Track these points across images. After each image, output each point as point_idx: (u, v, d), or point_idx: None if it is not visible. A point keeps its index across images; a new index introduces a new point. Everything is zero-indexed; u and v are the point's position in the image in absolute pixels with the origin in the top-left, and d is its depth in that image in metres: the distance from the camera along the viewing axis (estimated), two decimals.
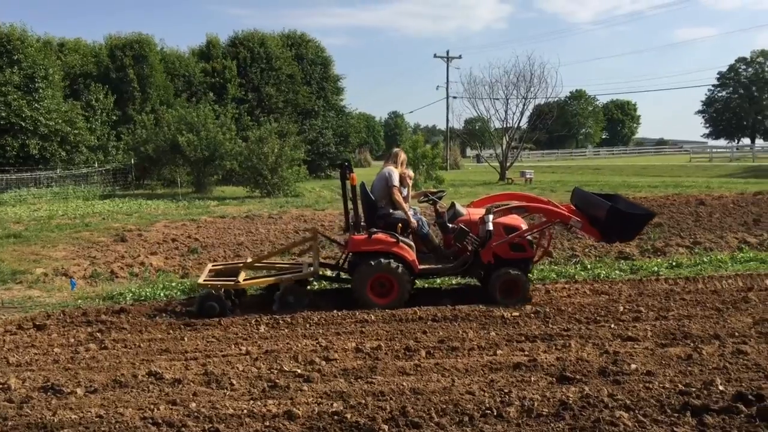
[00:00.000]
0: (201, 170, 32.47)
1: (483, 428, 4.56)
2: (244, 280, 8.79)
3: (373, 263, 8.38)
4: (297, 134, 35.85)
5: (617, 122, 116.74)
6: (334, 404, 5.11)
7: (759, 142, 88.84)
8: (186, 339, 7.29)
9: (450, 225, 8.91)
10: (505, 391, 5.25)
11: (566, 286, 9.49)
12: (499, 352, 6.41)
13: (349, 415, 4.83)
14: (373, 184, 9.01)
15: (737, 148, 73.73)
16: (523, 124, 44.75)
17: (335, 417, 4.84)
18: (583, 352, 6.24)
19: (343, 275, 9.22)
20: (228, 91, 42.75)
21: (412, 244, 8.68)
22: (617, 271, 10.29)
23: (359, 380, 5.72)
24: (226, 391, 5.54)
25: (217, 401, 5.25)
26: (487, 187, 35.22)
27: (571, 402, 4.90)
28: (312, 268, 8.86)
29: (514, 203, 9.18)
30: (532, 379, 5.57)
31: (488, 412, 4.82)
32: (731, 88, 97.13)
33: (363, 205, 8.77)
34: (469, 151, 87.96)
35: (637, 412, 4.72)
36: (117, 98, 37.58)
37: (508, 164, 42.10)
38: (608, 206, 8.27)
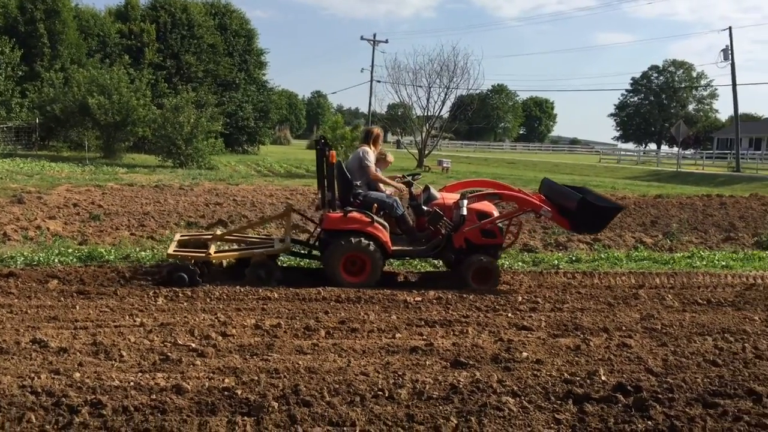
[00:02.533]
0: (111, 135, 31.35)
1: (373, 409, 4.59)
2: (216, 252, 8.69)
3: (345, 242, 8.37)
4: (215, 106, 35.07)
5: (535, 119, 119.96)
6: (226, 380, 5.03)
7: (664, 148, 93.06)
8: (77, 307, 7.01)
9: (425, 208, 8.95)
10: (399, 373, 5.30)
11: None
12: (398, 335, 6.47)
13: (239, 392, 4.76)
14: (348, 163, 8.93)
15: (644, 153, 77.05)
16: (445, 113, 45.30)
17: (225, 393, 4.76)
18: (479, 339, 6.38)
19: (315, 252, 9.18)
20: (145, 55, 41.36)
21: (387, 224, 8.69)
22: (520, 263, 10.55)
23: (254, 357, 5.66)
24: (114, 362, 5.36)
25: (104, 372, 5.07)
26: (403, 172, 35.47)
27: (461, 386, 5.00)
28: (284, 244, 8.83)
29: (488, 190, 9.43)
30: (427, 363, 5.65)
31: (380, 393, 4.85)
32: (642, 95, 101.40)
33: (339, 183, 8.69)
34: (389, 137, 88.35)
35: (522, 398, 4.85)
36: (24, 53, 35.65)
37: (426, 152, 42.53)
38: (579, 198, 8.54)
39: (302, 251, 9.51)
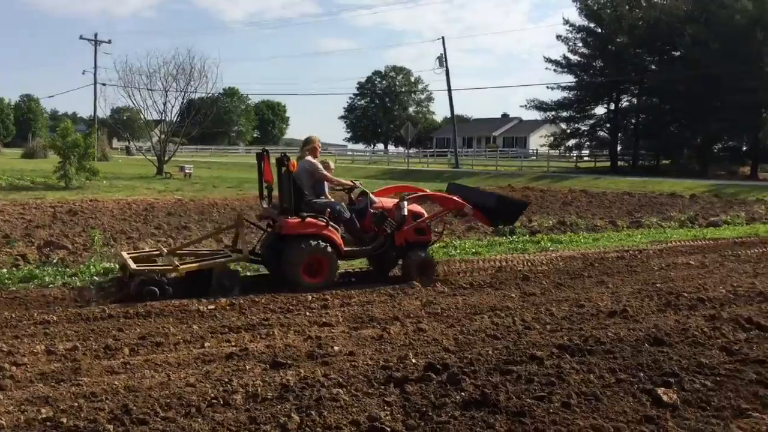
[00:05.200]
0: None
1: (213, 417, 4.63)
2: (181, 264, 8.74)
3: (304, 245, 8.80)
4: None
5: (268, 122, 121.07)
6: (42, 410, 4.70)
7: (391, 147, 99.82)
8: None
9: (372, 210, 9.63)
10: (225, 380, 5.36)
11: (257, 280, 9.74)
12: (206, 344, 6.46)
13: (65, 420, 4.50)
14: (295, 174, 9.11)
15: (373, 153, 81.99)
16: (183, 117, 44.04)
17: (48, 423, 4.46)
18: (288, 339, 6.62)
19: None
20: None
21: (338, 227, 9.25)
22: None
23: (63, 383, 5.32)
24: None
25: None
26: (144, 180, 33.99)
27: (291, 384, 5.22)
28: (243, 254, 9.15)
29: (421, 192, 10.55)
30: (247, 367, 5.76)
31: (214, 401, 4.89)
32: (368, 98, 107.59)
33: (287, 193, 9.00)
34: (116, 142, 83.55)
35: (350, 387, 5.21)
36: None
37: (166, 158, 41.06)
38: (497, 196, 10.31)
39: (256, 258, 9.66)
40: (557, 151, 58.50)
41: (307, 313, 7.73)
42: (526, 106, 55.03)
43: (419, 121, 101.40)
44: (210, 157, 73.99)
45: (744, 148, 48.00)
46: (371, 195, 9.97)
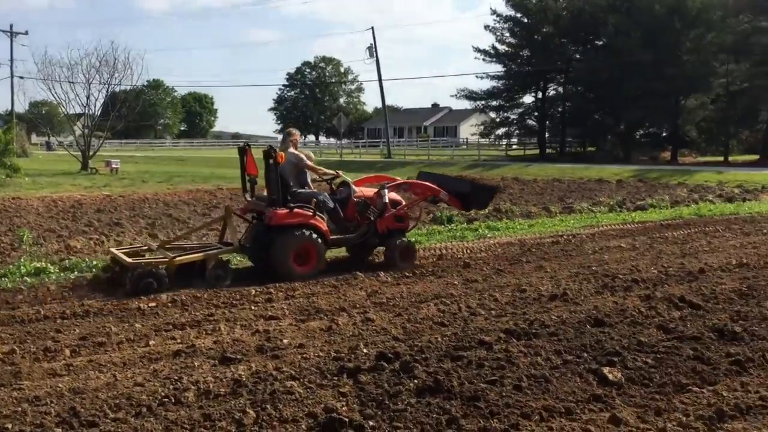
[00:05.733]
0: None
1: (166, 416, 4.54)
2: (176, 257, 8.80)
3: (294, 235, 8.97)
4: None
5: (195, 114, 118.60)
6: None
7: (323, 138, 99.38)
8: None
9: (355, 199, 9.92)
10: (174, 378, 5.26)
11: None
12: (151, 342, 6.32)
13: (9, 425, 4.35)
14: (281, 166, 9.24)
15: (305, 144, 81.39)
16: (106, 110, 42.69)
17: None
18: (235, 334, 6.54)
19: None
20: None
21: (324, 217, 9.42)
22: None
23: (3, 388, 5.13)
24: None
25: None
26: (69, 176, 32.79)
27: (243, 379, 5.17)
28: (233, 246, 9.32)
29: (399, 180, 10.87)
30: (196, 363, 5.67)
31: (165, 400, 4.79)
32: (298, 89, 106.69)
33: (274, 185, 9.09)
34: (35, 138, 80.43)
35: (303, 380, 5.20)
36: None
37: (90, 153, 39.74)
38: (471, 182, 10.85)
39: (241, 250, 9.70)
40: (487, 139, 59.45)
41: (252, 307, 7.64)
42: (456, 95, 55.64)
43: (350, 112, 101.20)
44: (136, 151, 72.00)
45: (664, 134, 49.84)
46: (352, 186, 10.16)
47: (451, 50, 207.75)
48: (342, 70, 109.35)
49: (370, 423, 4.40)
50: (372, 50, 54.00)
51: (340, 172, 10.37)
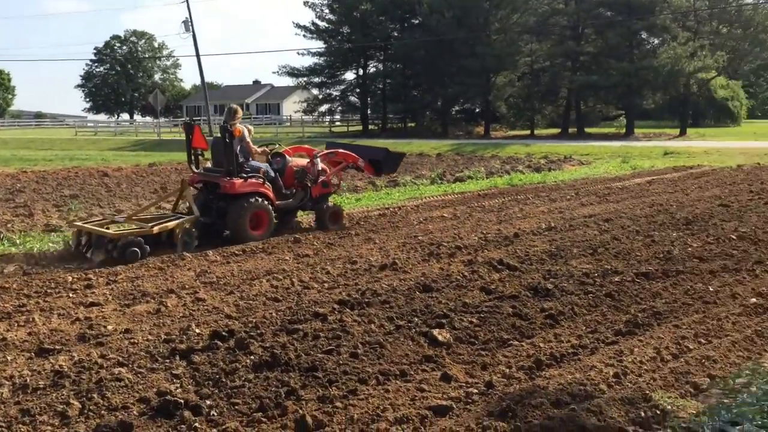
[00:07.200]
0: None
1: None
2: (153, 226, 9.18)
3: (248, 202, 9.82)
4: None
5: None
6: None
7: (138, 117, 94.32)
8: None
9: (295, 168, 10.84)
10: None
11: None
12: None
13: None
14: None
15: (118, 123, 76.87)
16: None
17: None
18: (53, 324, 6.07)
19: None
20: None
21: (270, 185, 10.28)
22: (50, 244, 9.98)
23: None
24: None
25: None
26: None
27: (65, 370, 4.83)
28: (194, 215, 9.69)
29: (326, 150, 11.66)
30: (9, 358, 5.21)
31: None
32: (108, 65, 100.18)
33: (230, 157, 9.90)
34: None
35: (132, 365, 4.96)
36: None
37: None
38: (385, 149, 12.26)
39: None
40: (311, 116, 59.48)
41: (71, 295, 7.12)
42: (278, 72, 55.12)
43: (167, 89, 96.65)
44: None
45: (478, 110, 52.60)
46: (287, 156, 11.10)
47: (272, 26, 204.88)
48: (156, 45, 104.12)
49: (207, 402, 4.30)
50: (188, 24, 51.72)
51: (278, 144, 11.64)
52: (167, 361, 5.06)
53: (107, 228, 9.32)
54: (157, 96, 46.71)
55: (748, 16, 47.81)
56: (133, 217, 10.06)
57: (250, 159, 10.42)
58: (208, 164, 10.84)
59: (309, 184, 10.86)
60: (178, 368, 4.91)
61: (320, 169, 10.99)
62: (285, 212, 11.00)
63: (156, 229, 9.17)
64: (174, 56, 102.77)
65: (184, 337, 5.55)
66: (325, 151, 11.65)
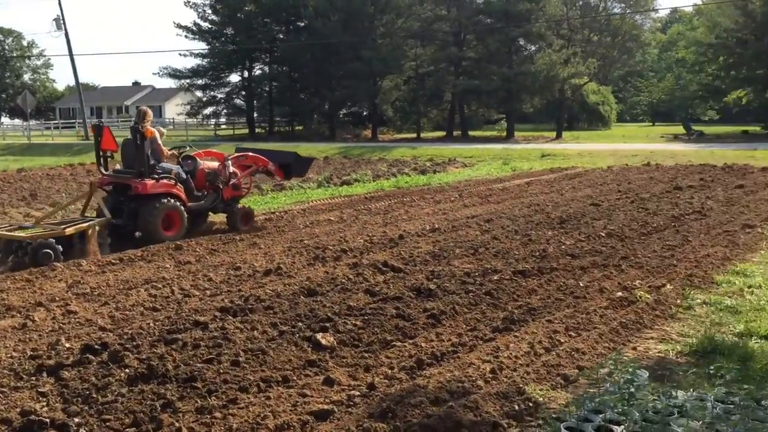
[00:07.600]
0: None
1: None
2: (65, 228, 9.05)
3: (160, 203, 9.84)
4: None
5: None
6: None
7: (6, 120, 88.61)
8: None
9: (206, 170, 10.95)
10: None
11: None
12: None
13: None
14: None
15: None
16: None
17: None
18: None
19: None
20: None
21: (182, 186, 10.32)
22: None
23: None
24: None
25: None
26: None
27: None
28: (105, 216, 9.56)
29: (237, 154, 11.83)
30: None
31: None
32: None
33: (141, 158, 9.86)
34: None
35: None
36: None
37: None
38: (294, 154, 12.64)
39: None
40: (195, 119, 57.93)
41: None
42: (159, 73, 53.16)
43: (38, 90, 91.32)
44: None
45: (365, 113, 52.99)
46: (198, 159, 11.16)
47: (152, 25, 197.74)
48: (25, 43, 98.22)
49: (76, 420, 4.09)
50: (59, 22, 49.20)
51: (189, 146, 11.88)
52: (33, 378, 4.77)
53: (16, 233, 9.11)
54: (26, 97, 44.09)
55: (616, 25, 50.65)
56: (42, 222, 9.84)
57: (162, 161, 10.45)
58: (118, 166, 10.87)
59: (221, 186, 11.06)
60: (45, 385, 4.64)
61: (231, 171, 11.16)
62: (197, 214, 11.09)
63: (68, 231, 9.07)
64: (45, 55, 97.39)
65: (53, 352, 5.25)
66: (236, 155, 11.85)
